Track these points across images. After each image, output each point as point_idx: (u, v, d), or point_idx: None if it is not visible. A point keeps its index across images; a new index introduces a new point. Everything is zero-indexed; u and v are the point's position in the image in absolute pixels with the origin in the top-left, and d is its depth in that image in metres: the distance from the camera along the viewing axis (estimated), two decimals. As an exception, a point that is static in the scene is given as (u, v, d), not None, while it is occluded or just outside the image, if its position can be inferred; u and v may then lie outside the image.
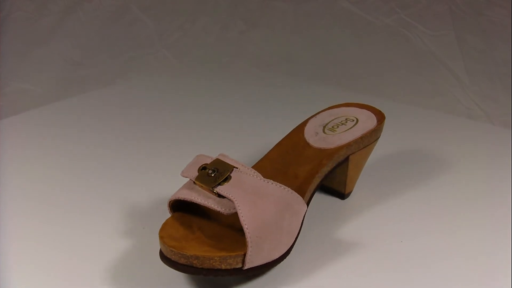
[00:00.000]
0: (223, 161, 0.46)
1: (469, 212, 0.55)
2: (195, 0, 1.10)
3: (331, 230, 0.52)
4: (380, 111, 0.57)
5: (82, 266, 0.47)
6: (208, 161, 0.47)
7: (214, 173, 0.45)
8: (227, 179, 0.44)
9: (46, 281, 0.45)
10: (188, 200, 0.45)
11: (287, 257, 0.46)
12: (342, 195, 0.56)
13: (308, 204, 0.49)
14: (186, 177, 0.47)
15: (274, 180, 0.50)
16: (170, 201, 0.47)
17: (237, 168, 0.45)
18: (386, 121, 0.56)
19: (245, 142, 0.72)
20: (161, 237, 0.44)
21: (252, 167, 0.53)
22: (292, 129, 0.58)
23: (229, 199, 0.43)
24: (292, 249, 0.46)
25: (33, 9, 1.05)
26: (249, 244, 0.42)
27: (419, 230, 0.52)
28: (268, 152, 0.55)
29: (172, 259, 0.42)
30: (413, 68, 1.03)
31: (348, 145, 0.52)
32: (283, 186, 0.45)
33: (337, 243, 0.50)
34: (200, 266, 0.42)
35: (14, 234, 0.52)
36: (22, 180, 0.63)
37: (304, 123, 0.58)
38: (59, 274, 0.46)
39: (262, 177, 0.45)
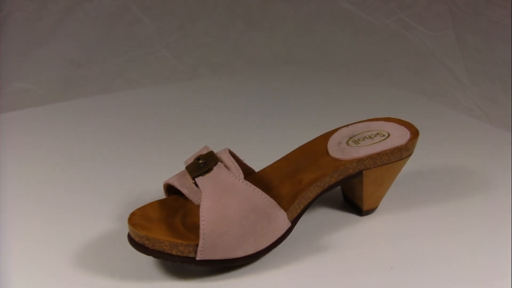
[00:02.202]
0: (214, 154, 0.48)
1: (470, 212, 0.55)
2: (195, 1, 1.10)
3: (327, 240, 0.50)
4: (417, 131, 0.53)
5: (82, 265, 0.47)
6: (205, 152, 0.49)
7: (202, 164, 0.47)
8: (209, 171, 0.46)
9: (45, 280, 0.46)
10: (174, 185, 0.48)
11: (272, 259, 0.46)
12: (361, 211, 0.54)
13: (302, 211, 0.49)
14: (186, 165, 0.49)
15: (279, 182, 0.51)
16: (164, 184, 0.49)
17: (221, 162, 0.46)
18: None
19: (252, 141, 0.72)
20: (132, 214, 0.46)
21: (267, 166, 0.53)
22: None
23: (201, 190, 0.45)
24: (281, 253, 0.47)
25: (33, 9, 1.05)
26: (201, 236, 0.43)
27: (418, 230, 0.52)
28: (288, 154, 0.54)
29: (131, 236, 0.45)
30: (413, 68, 1.03)
31: (360, 160, 0.50)
32: (253, 187, 0.45)
33: (325, 251, 0.49)
34: (152, 248, 0.43)
35: (12, 233, 0.52)
36: (19, 177, 0.63)
37: (333, 131, 0.56)
38: (59, 273, 0.46)
39: (241, 176, 0.46)
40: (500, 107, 0.96)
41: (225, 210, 0.44)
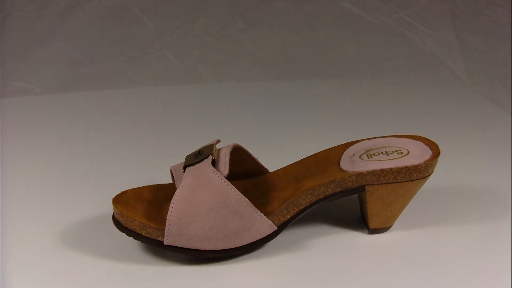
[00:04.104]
0: (212, 147, 0.49)
1: (469, 211, 0.55)
2: (195, 0, 1.10)
3: (320, 248, 0.49)
4: (437, 153, 0.50)
5: (81, 264, 0.47)
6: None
7: (198, 155, 0.48)
8: (199, 162, 0.48)
9: (45, 278, 0.46)
10: (172, 170, 0.50)
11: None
12: (368, 228, 0.51)
13: (292, 217, 0.48)
14: None
15: (284, 185, 0.51)
16: (170, 170, 0.51)
17: (211, 155, 0.47)
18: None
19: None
20: (123, 192, 0.49)
21: (280, 168, 0.54)
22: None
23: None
24: (265, 254, 0.48)
25: (33, 9, 1.05)
26: (168, 222, 0.45)
27: (417, 228, 0.51)
28: (303, 158, 0.54)
29: (113, 210, 0.48)
30: (413, 68, 1.03)
31: (360, 174, 0.48)
32: (227, 183, 0.46)
33: (312, 258, 0.48)
34: (125, 225, 0.46)
35: (8, 231, 0.52)
36: (18, 170, 0.64)
37: (354, 142, 0.54)
38: (57, 273, 0.46)
39: (225, 172, 0.46)
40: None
41: (195, 201, 0.45)
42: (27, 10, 1.05)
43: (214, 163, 0.47)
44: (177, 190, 0.46)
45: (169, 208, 0.45)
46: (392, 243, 0.50)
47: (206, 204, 0.45)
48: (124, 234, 0.47)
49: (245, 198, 0.46)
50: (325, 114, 0.84)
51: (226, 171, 0.46)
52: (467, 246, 0.50)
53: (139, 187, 0.51)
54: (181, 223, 0.45)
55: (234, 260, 0.47)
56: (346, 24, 1.08)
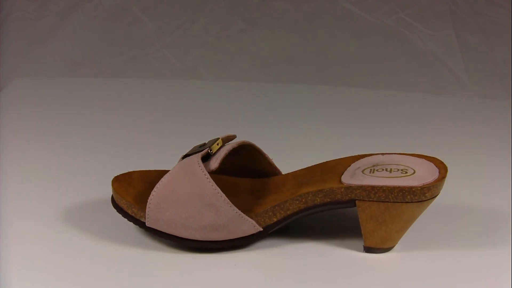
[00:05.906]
0: (215, 141, 0.50)
1: (468, 213, 0.55)
2: (195, 0, 1.10)
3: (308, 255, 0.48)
4: (441, 178, 0.46)
5: (81, 264, 0.47)
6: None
7: (201, 147, 0.50)
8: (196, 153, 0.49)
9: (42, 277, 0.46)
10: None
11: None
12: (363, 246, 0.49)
13: (280, 221, 0.48)
14: None
15: (287, 189, 0.51)
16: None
17: (208, 148, 0.48)
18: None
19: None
20: (130, 172, 0.52)
21: (291, 172, 0.54)
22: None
23: None
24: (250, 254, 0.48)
25: (33, 9, 1.06)
26: (148, 206, 0.47)
27: (418, 228, 0.51)
28: (313, 165, 0.53)
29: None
30: (413, 68, 1.03)
31: (349, 187, 0.47)
32: (207, 175, 0.46)
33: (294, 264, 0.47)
34: (116, 202, 0.50)
35: (8, 231, 0.52)
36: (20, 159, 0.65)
37: (365, 155, 0.53)
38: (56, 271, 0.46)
39: (213, 166, 0.47)
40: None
41: (175, 189, 0.47)
42: (27, 10, 1.06)
43: (209, 156, 0.48)
44: (164, 176, 0.47)
45: (152, 192, 0.47)
46: (383, 259, 0.48)
47: (185, 194, 0.46)
48: (125, 233, 0.48)
49: (222, 193, 0.46)
50: (326, 115, 0.84)
51: (215, 165, 0.47)
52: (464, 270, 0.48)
53: (149, 170, 0.53)
54: (159, 208, 0.46)
55: (214, 254, 0.48)
56: (346, 24, 1.08)
